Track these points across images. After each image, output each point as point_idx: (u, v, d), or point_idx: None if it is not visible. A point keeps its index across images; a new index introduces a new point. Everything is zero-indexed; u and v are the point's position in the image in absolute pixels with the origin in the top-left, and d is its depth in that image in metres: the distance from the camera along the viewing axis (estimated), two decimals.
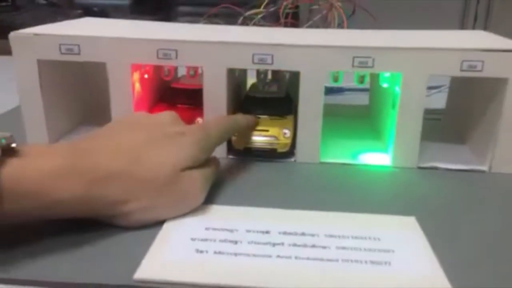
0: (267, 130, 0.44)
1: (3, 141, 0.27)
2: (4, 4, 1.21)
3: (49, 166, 0.28)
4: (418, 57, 0.40)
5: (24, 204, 0.27)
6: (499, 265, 0.29)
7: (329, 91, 0.66)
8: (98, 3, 1.61)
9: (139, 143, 0.33)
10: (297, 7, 0.61)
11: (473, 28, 1.88)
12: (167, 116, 0.37)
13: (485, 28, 1.88)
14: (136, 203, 0.31)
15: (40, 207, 0.28)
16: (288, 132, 0.44)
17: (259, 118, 0.45)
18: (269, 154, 0.44)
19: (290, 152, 0.44)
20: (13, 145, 0.28)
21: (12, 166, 0.27)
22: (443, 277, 0.27)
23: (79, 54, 0.42)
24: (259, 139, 0.43)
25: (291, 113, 0.46)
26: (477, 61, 0.39)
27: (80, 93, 0.51)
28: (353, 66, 0.41)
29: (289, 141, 0.44)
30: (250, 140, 0.44)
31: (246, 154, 0.44)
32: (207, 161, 0.36)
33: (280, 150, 0.44)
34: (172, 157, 0.33)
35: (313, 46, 0.41)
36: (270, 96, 0.48)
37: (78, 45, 0.42)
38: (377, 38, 0.46)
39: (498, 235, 0.33)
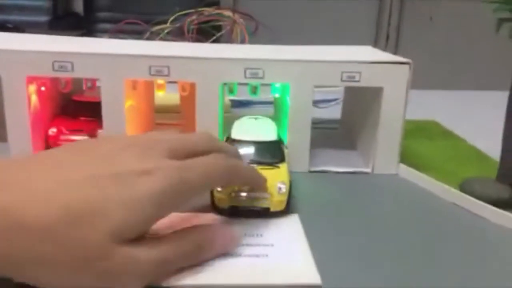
0: None
1: None
2: None
3: None
4: (303, 68, 0.43)
5: None
6: (372, 261, 0.32)
7: (237, 104, 0.69)
8: (12, 20, 1.55)
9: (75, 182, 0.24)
10: (202, 23, 0.64)
11: (385, 47, 2.01)
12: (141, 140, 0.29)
13: (397, 46, 2.02)
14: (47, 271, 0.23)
15: None
16: (283, 187, 0.35)
17: None
18: (260, 214, 0.35)
19: (286, 210, 0.36)
20: None
21: None
22: (314, 270, 0.29)
23: None
24: (248, 196, 0.34)
25: (284, 160, 0.39)
26: (355, 72, 0.43)
27: None
28: (245, 77, 0.43)
29: (285, 197, 0.35)
30: (237, 197, 0.34)
31: (232, 214, 0.35)
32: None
33: (274, 209, 0.35)
34: (113, 219, 0.24)
35: (207, 58, 0.43)
36: (258, 139, 0.40)
37: None
38: (268, 51, 0.49)
39: (375, 232, 0.35)
